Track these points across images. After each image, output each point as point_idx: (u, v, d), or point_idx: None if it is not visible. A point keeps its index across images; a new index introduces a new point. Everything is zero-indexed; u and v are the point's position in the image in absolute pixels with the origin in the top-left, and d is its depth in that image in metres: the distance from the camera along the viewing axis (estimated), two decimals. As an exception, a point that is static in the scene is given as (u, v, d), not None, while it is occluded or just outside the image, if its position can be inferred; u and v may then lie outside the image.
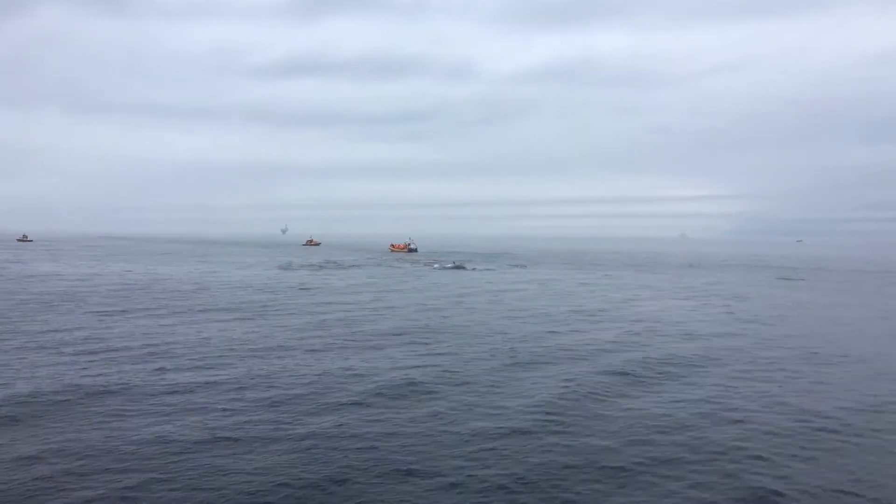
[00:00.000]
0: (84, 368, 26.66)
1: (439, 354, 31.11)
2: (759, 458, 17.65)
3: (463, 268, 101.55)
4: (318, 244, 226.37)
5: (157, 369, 26.71)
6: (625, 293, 64.65)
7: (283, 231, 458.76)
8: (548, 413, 21.16)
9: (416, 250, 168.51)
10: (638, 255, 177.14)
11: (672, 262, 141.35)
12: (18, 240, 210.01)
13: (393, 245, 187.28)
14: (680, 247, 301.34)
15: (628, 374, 27.27)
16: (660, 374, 27.54)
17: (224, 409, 21.18)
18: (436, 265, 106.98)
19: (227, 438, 18.42)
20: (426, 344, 33.89)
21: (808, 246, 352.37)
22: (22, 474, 15.76)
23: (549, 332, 38.63)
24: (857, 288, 77.00)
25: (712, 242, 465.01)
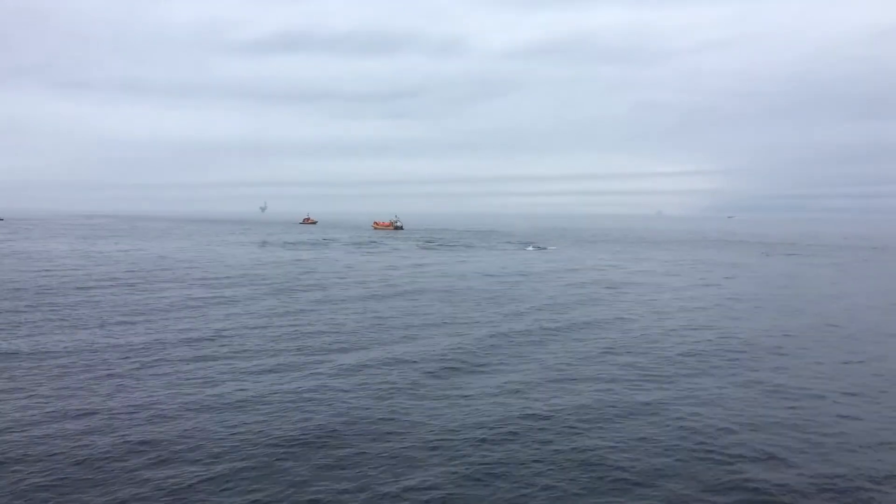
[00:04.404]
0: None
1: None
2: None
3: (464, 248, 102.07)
4: (314, 222, 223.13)
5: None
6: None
7: (263, 209, 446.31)
8: None
9: (401, 228, 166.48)
10: (630, 233, 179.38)
11: (661, 238, 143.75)
12: None
13: (376, 223, 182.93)
14: (657, 223, 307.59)
15: None
16: None
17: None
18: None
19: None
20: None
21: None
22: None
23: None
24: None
25: (684, 220, 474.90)
